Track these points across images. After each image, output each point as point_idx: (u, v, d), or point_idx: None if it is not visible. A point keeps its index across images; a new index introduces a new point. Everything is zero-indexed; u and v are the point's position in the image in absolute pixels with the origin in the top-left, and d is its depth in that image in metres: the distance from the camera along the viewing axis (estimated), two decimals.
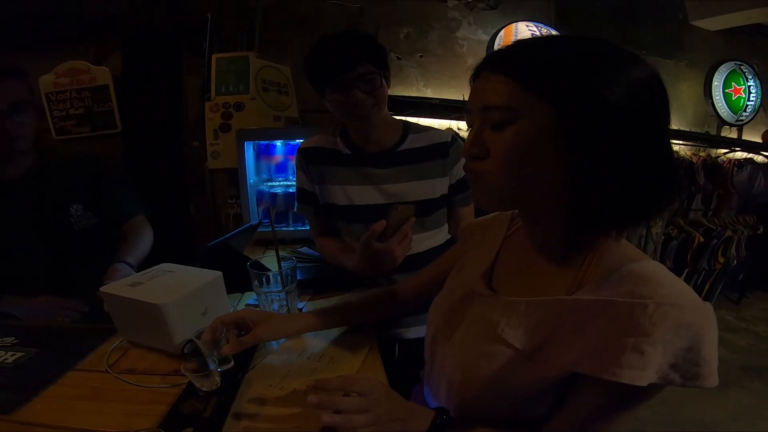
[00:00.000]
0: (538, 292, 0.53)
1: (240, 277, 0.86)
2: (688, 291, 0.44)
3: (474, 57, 2.64)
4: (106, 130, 2.11)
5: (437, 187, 1.09)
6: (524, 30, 2.66)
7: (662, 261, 2.92)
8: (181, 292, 0.74)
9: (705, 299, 2.81)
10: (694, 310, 0.42)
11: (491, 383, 0.52)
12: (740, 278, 3.56)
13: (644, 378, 0.42)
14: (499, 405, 0.53)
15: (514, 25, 2.65)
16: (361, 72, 0.95)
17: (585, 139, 0.44)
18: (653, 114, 0.45)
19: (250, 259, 0.90)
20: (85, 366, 0.74)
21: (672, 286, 0.44)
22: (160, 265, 0.86)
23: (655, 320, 0.42)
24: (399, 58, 2.51)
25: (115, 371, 0.72)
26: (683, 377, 0.42)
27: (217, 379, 0.64)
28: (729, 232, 3.19)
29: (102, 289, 0.76)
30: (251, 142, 1.72)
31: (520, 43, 0.48)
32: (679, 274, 3.07)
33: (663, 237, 2.79)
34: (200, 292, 0.78)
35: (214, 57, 1.95)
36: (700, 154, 3.37)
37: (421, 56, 2.56)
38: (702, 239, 3.06)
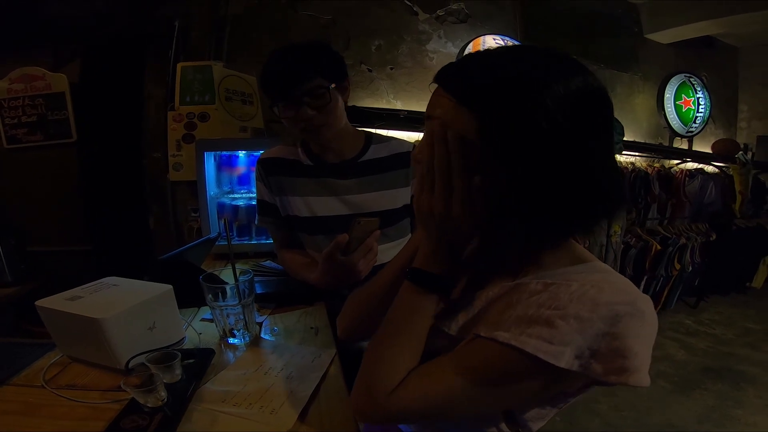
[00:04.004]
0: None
1: (195, 291, 0.83)
2: (618, 281, 0.45)
3: None
4: (60, 140, 2.03)
5: (400, 197, 1.10)
6: (491, 43, 2.74)
7: (622, 268, 3.03)
8: (123, 305, 0.70)
9: (664, 305, 2.90)
10: (617, 292, 0.42)
11: None
12: (697, 283, 3.72)
13: (550, 353, 0.41)
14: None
15: (482, 38, 2.73)
16: (308, 87, 0.93)
17: (506, 156, 0.45)
18: (582, 131, 0.44)
19: (206, 272, 0.87)
20: (20, 381, 0.70)
21: (605, 276, 0.46)
22: (104, 278, 0.82)
23: (574, 297, 0.43)
24: (370, 70, 2.53)
25: (52, 386, 0.67)
26: (607, 369, 0.41)
27: (163, 394, 0.61)
28: (683, 240, 3.35)
29: (38, 302, 0.72)
30: (212, 153, 1.69)
31: (464, 60, 0.50)
32: (638, 281, 3.19)
33: (622, 245, 2.90)
34: (146, 306, 0.74)
35: (179, 66, 1.91)
36: (655, 165, 3.54)
37: (391, 68, 2.59)
38: (659, 247, 3.20)
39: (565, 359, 0.41)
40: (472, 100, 0.45)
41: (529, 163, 0.44)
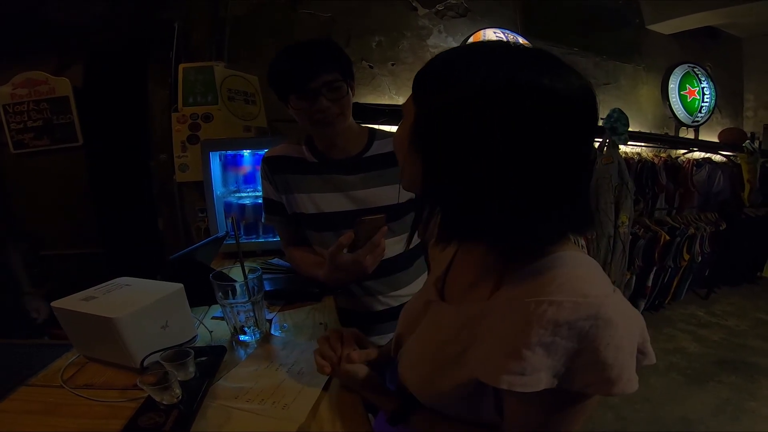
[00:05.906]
0: (473, 298, 0.54)
1: (205, 289, 0.84)
2: (580, 285, 0.41)
3: None
4: (66, 143, 2.04)
5: (404, 192, 1.10)
6: (492, 36, 2.74)
7: (631, 260, 3.00)
8: (137, 305, 0.71)
9: (674, 296, 2.87)
10: (576, 306, 0.39)
11: (430, 385, 0.53)
12: (707, 274, 3.70)
13: (527, 384, 0.39)
14: (449, 407, 0.53)
15: (482, 32, 2.72)
16: (327, 79, 0.95)
17: (423, 144, 0.47)
18: (517, 132, 0.40)
19: (216, 271, 0.88)
20: (39, 381, 0.71)
21: (563, 281, 0.42)
22: (117, 279, 0.83)
23: (533, 320, 0.40)
24: (371, 67, 2.52)
25: (70, 386, 0.69)
26: (587, 383, 0.39)
27: (178, 391, 0.62)
28: (692, 230, 3.32)
29: (53, 303, 0.73)
30: (217, 153, 1.69)
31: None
32: (647, 272, 3.16)
33: (630, 236, 2.88)
34: (159, 305, 0.75)
35: (180, 67, 1.91)
36: (661, 155, 3.51)
37: (392, 64, 2.58)
38: (667, 237, 3.17)
39: (536, 384, 0.40)
40: (416, 94, 0.49)
41: (437, 151, 0.45)
